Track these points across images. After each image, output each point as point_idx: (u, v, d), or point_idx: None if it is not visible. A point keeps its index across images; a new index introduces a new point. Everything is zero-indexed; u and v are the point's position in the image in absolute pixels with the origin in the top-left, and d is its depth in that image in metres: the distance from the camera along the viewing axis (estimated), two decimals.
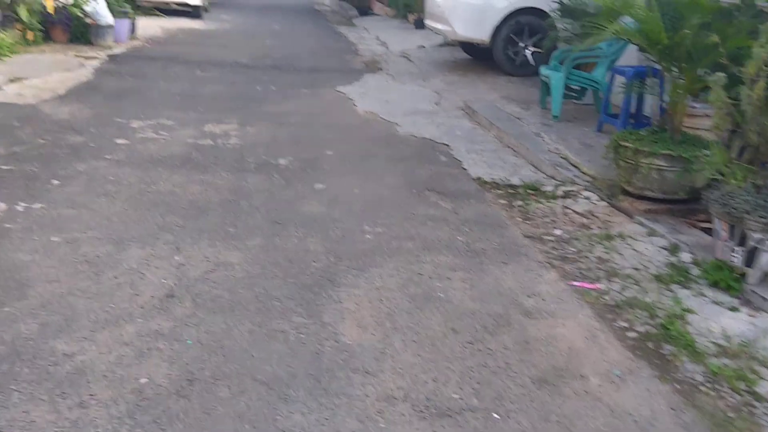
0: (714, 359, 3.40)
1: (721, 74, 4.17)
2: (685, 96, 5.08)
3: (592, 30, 5.59)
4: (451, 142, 7.09)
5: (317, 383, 3.07)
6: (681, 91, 5.07)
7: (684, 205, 5.08)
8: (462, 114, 8.40)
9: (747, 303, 3.87)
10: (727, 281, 3.99)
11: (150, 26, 13.76)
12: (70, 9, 11.20)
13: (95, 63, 9.96)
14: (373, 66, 11.56)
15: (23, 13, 10.28)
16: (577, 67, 7.95)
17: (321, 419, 2.85)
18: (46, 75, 8.82)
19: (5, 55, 9.54)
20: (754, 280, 3.94)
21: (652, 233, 4.72)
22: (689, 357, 3.43)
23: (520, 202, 5.50)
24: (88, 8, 11.28)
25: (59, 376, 2.99)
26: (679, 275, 4.17)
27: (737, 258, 3.98)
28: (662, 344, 3.55)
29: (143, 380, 3.01)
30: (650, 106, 6.97)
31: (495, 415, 2.95)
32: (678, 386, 3.24)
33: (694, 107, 5.45)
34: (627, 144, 5.12)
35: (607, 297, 4.03)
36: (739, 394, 3.19)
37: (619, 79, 7.03)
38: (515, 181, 5.95)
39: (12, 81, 8.27)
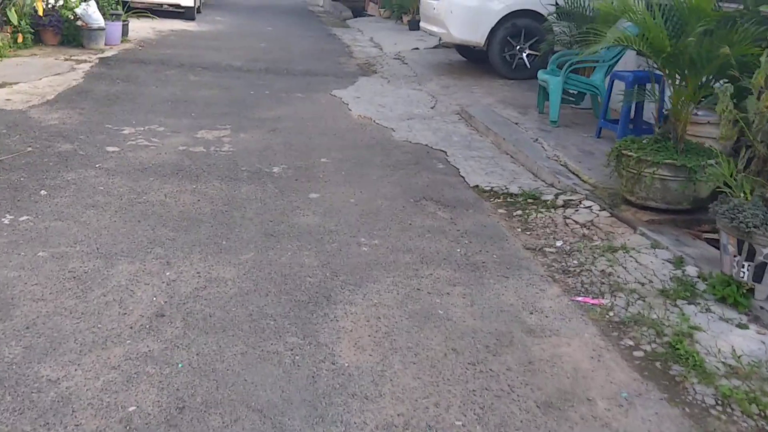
0: (724, 380, 3.29)
1: (728, 84, 4.05)
2: (689, 104, 4.96)
3: (591, 35, 5.48)
4: (447, 149, 6.97)
5: (313, 410, 2.94)
6: (684, 99, 4.95)
7: (688, 216, 4.97)
8: (458, 119, 8.28)
9: (756, 320, 3.76)
10: (735, 297, 3.87)
11: (142, 28, 13.60)
12: (61, 11, 11.04)
13: (86, 66, 9.79)
14: (367, 68, 11.44)
15: (13, 15, 10.10)
16: (575, 71, 7.84)
17: None
18: (35, 79, 8.67)
19: None
20: (763, 296, 3.84)
21: (655, 245, 4.61)
22: (699, 378, 3.31)
23: (519, 212, 5.38)
24: (78, 10, 11.13)
25: (43, 405, 2.85)
26: (685, 290, 4.05)
27: (745, 273, 3.86)
28: (670, 364, 3.43)
29: (131, 408, 2.87)
30: (650, 111, 6.86)
31: None
32: (688, 410, 3.13)
33: (696, 115, 5.34)
34: (629, 153, 5.01)
35: (611, 313, 3.92)
36: (752, 419, 3.07)
37: (618, 84, 6.92)
38: (514, 189, 5.83)
39: (0, 86, 8.11)
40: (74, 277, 3.91)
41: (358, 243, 4.62)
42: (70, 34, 11.16)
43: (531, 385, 3.23)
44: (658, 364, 3.45)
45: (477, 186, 5.92)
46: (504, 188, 5.87)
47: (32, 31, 10.68)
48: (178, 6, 16.09)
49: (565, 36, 8.95)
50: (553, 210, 5.36)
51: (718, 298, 3.93)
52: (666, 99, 5.39)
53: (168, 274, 4.03)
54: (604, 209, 5.22)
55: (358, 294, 3.95)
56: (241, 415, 2.88)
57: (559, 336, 3.66)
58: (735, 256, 3.90)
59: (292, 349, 3.37)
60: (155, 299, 3.74)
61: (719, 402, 3.16)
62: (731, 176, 4.09)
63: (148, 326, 3.48)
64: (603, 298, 4.08)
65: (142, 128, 6.95)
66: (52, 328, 3.39)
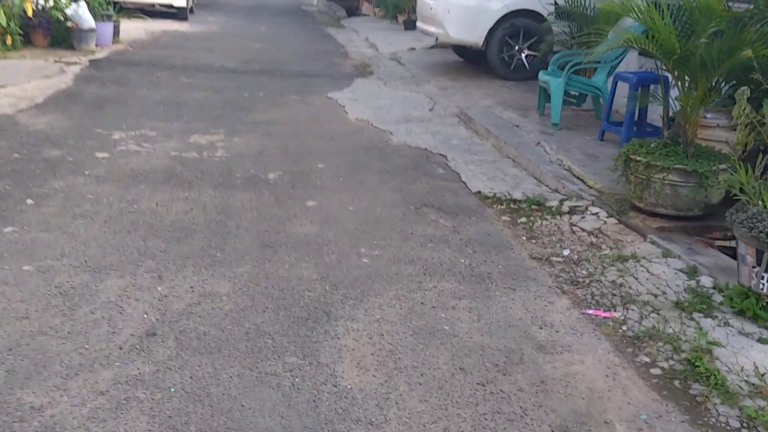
0: (749, 401, 3.11)
1: (745, 87, 3.89)
2: (699, 107, 4.80)
3: (593, 36, 5.32)
4: (447, 152, 6.79)
5: None
6: (694, 102, 4.78)
7: (699, 222, 4.81)
8: (457, 121, 8.11)
9: None
10: (754, 310, 3.71)
11: (134, 29, 13.36)
12: (51, 12, 10.81)
13: (76, 69, 9.58)
14: (363, 70, 11.25)
15: (1, 16, 9.87)
16: (577, 72, 7.66)
17: None
18: (24, 82, 8.46)
19: None
20: None
21: (667, 254, 4.44)
22: (721, 398, 3.13)
23: (524, 219, 5.20)
24: (69, 11, 10.90)
25: None
26: (701, 302, 3.88)
27: (765, 285, 3.69)
28: (690, 383, 3.26)
29: None
30: (654, 113, 6.69)
31: None
32: None
33: (705, 118, 5.17)
34: (638, 158, 4.84)
35: (625, 327, 3.74)
36: None
37: (621, 86, 6.75)
38: (517, 195, 5.66)
39: None
40: (61, 293, 3.72)
41: (359, 254, 4.44)
42: (60, 36, 10.93)
43: (544, 407, 3.05)
44: (677, 382, 3.28)
45: (479, 192, 5.74)
46: (507, 194, 5.69)
47: (21, 32, 10.45)
48: (170, 6, 15.88)
49: (565, 36, 8.78)
50: (558, 217, 5.18)
51: (737, 311, 3.77)
52: (672, 101, 5.22)
53: (160, 289, 3.84)
54: (612, 216, 5.05)
55: (360, 309, 3.76)
56: None
57: (571, 352, 3.49)
58: (754, 267, 3.73)
59: (291, 371, 3.18)
60: (146, 316, 3.55)
61: (744, 425, 2.99)
62: (747, 183, 3.93)
63: (138, 346, 3.29)
64: (615, 310, 3.90)
65: (133, 133, 6.75)
66: (36, 350, 3.20)
